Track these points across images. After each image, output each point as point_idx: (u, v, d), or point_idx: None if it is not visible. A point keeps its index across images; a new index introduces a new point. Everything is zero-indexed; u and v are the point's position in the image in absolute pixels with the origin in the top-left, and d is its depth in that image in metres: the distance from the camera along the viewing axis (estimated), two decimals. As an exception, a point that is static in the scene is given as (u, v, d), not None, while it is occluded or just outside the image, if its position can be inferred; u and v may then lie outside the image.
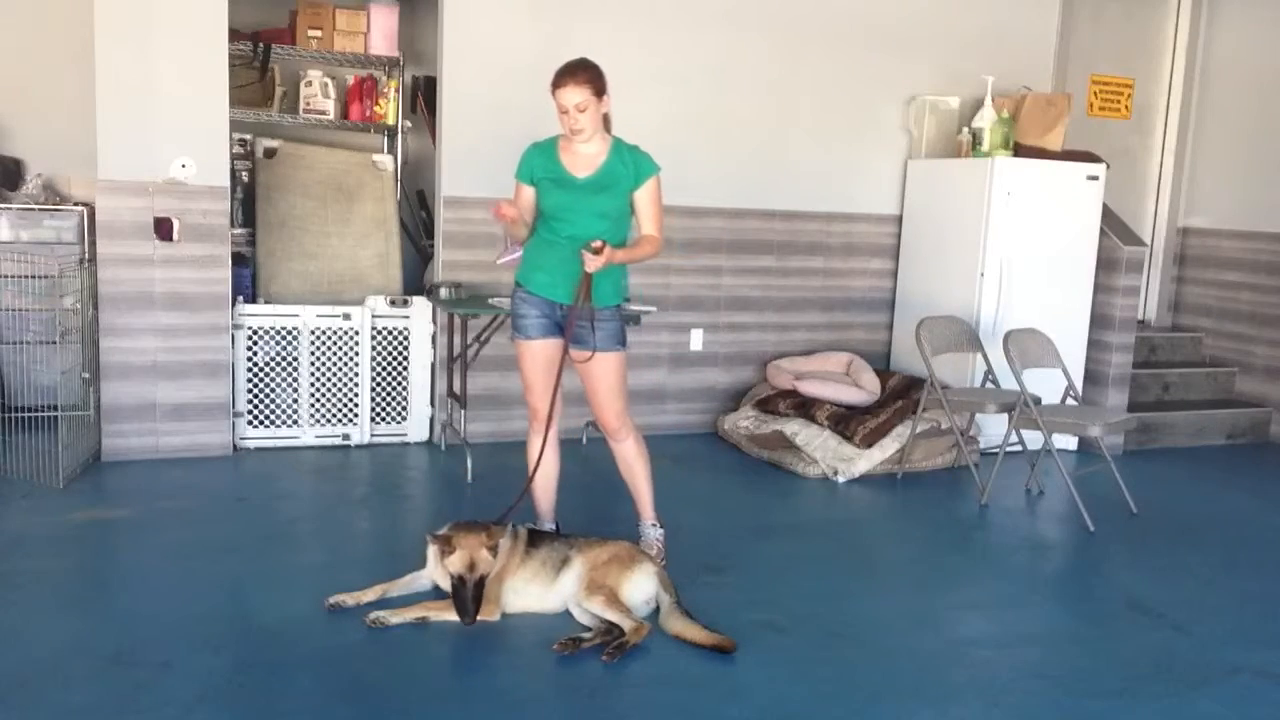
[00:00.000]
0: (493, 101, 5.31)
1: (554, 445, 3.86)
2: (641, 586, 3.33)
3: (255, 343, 5.19)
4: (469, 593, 3.21)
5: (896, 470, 5.25)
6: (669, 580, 3.39)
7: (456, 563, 3.23)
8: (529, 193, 3.73)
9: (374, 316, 5.36)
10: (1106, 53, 6.90)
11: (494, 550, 3.29)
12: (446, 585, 3.33)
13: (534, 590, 3.40)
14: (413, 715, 2.79)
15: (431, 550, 3.43)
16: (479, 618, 3.25)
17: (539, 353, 3.75)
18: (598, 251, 3.51)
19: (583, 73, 3.58)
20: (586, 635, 3.21)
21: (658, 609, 3.35)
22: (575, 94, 3.56)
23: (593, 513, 4.29)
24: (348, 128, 6.01)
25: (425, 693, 2.92)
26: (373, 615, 3.29)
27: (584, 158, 3.68)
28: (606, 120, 3.71)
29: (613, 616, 3.22)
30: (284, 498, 4.62)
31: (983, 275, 5.65)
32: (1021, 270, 5.67)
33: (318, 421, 5.33)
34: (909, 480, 5.23)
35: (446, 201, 5.37)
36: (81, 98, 5.04)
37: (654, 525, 3.90)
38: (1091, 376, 5.93)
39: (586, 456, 5.10)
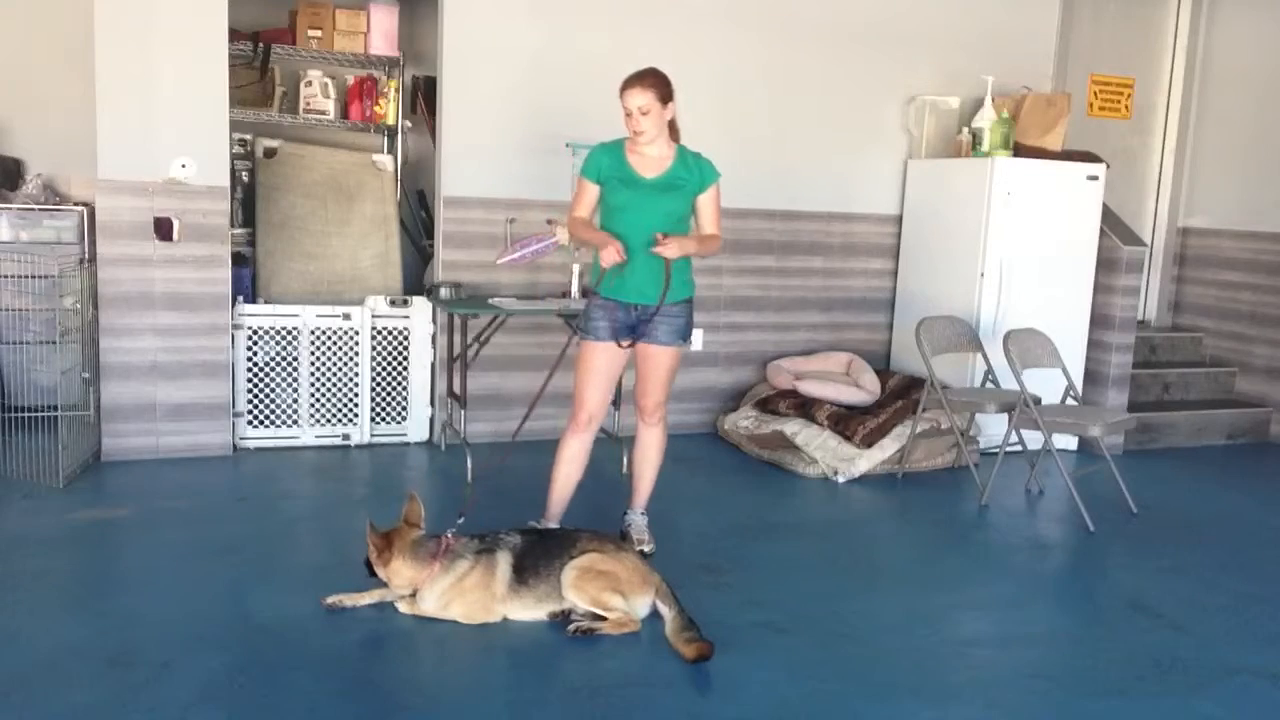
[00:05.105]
0: (493, 101, 5.32)
1: (588, 450, 3.95)
2: (639, 610, 3.30)
3: (255, 343, 5.19)
4: None
5: (896, 470, 5.25)
6: (667, 590, 3.33)
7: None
8: (594, 191, 3.85)
9: (374, 316, 5.35)
10: (1106, 53, 6.90)
11: None
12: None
13: (533, 611, 3.36)
14: (413, 715, 2.79)
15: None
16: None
17: (602, 354, 3.84)
18: (661, 242, 3.67)
19: (649, 78, 3.73)
20: (600, 624, 3.23)
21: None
22: (639, 97, 3.70)
23: (594, 512, 4.28)
24: (348, 128, 6.01)
25: (425, 693, 2.92)
26: (332, 599, 3.37)
27: (651, 160, 3.81)
28: (673, 127, 3.83)
29: (598, 610, 3.24)
30: (284, 498, 4.62)
31: (983, 275, 5.64)
32: (1021, 270, 5.67)
33: (318, 421, 5.33)
34: (909, 480, 5.22)
35: (446, 201, 5.37)
36: (81, 98, 5.04)
37: (644, 514, 4.07)
38: (1091, 376, 5.93)
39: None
